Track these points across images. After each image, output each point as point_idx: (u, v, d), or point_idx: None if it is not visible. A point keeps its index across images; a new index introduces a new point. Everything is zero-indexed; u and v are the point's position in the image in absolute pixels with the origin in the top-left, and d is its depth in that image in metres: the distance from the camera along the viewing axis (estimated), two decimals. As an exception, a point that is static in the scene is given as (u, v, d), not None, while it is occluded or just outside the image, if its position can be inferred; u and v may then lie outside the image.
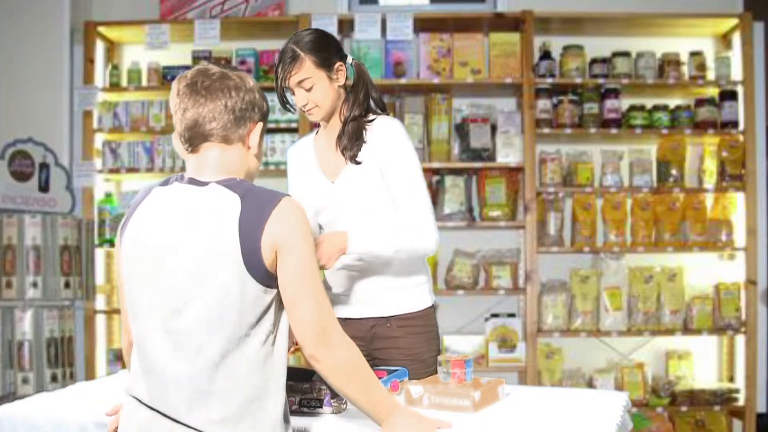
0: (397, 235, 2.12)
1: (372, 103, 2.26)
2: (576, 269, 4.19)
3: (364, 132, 2.20)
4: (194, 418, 1.50)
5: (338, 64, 2.18)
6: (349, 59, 2.22)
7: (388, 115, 2.28)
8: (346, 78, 2.22)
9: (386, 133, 2.19)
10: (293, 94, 2.18)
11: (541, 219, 4.17)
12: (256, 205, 1.53)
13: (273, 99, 2.59)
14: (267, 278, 1.53)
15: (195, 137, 1.59)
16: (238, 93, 1.59)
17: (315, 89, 2.15)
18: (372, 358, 2.27)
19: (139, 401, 1.56)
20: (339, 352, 1.57)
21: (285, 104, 2.22)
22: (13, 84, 4.25)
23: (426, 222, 2.17)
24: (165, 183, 1.63)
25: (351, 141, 2.19)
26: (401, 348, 2.22)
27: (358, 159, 2.18)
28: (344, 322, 2.29)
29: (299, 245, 1.53)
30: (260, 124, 1.65)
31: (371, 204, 2.20)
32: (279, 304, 1.57)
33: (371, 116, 2.23)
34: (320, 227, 2.34)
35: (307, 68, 2.12)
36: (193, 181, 1.59)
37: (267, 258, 1.51)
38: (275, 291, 1.55)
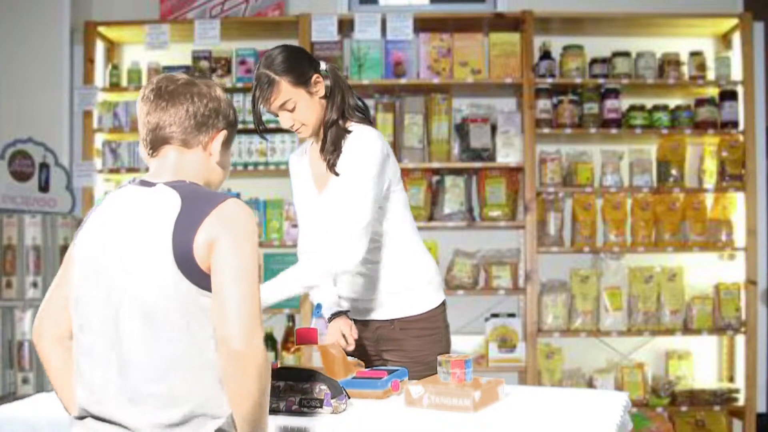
0: (311, 270, 2.08)
1: (352, 108, 2.21)
2: (576, 269, 4.19)
3: (342, 141, 2.17)
4: (138, 422, 1.46)
5: (314, 76, 2.15)
6: (323, 66, 2.19)
7: (370, 122, 2.25)
8: (326, 86, 2.18)
9: (354, 143, 2.16)
10: (277, 116, 2.16)
11: (541, 219, 4.17)
12: (197, 204, 1.49)
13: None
14: (201, 279, 1.47)
15: (156, 141, 1.59)
16: (201, 99, 1.59)
17: (298, 108, 2.13)
18: (380, 358, 2.29)
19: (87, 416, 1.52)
20: (258, 354, 1.45)
21: (260, 130, 2.17)
22: (13, 84, 4.25)
23: (350, 237, 2.08)
24: (121, 187, 1.63)
25: (329, 150, 2.17)
26: (405, 350, 2.23)
27: (336, 169, 2.16)
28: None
29: (233, 237, 1.46)
30: (224, 132, 1.64)
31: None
32: None
33: (351, 125, 2.19)
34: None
35: (285, 90, 2.10)
36: (143, 183, 1.58)
37: (200, 258, 1.46)
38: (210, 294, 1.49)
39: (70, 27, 4.25)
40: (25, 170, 3.96)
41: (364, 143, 2.14)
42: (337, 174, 2.17)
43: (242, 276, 1.46)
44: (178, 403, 1.46)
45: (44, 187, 4.01)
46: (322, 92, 2.17)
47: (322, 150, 2.19)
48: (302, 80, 2.12)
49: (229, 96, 1.93)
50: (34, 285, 3.73)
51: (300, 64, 2.13)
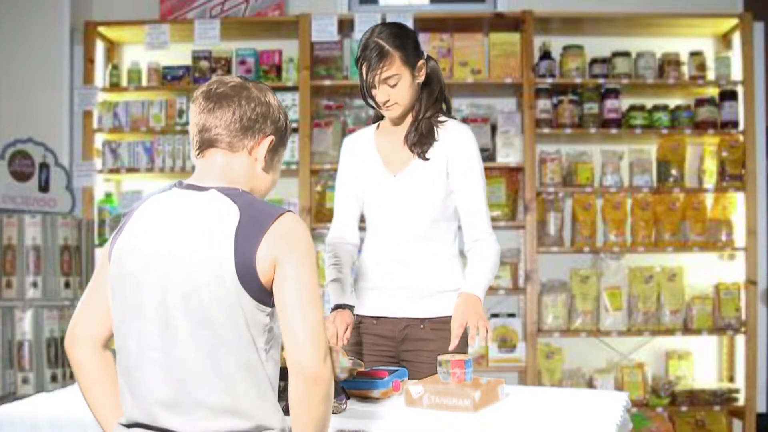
0: (491, 260, 2.20)
1: (443, 101, 2.28)
2: (576, 269, 4.19)
3: (436, 130, 2.22)
4: (191, 429, 1.46)
5: (420, 61, 2.18)
6: (424, 55, 2.22)
7: (454, 117, 2.31)
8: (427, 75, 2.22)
9: (459, 137, 2.22)
10: (374, 88, 2.16)
11: (541, 219, 4.17)
12: (256, 217, 1.48)
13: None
14: (261, 294, 1.46)
15: (203, 142, 1.58)
16: (249, 103, 1.57)
17: (399, 86, 2.15)
18: (399, 360, 2.27)
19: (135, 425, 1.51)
20: (329, 373, 1.47)
21: (366, 99, 2.21)
22: (13, 84, 4.25)
23: (491, 233, 2.25)
24: (164, 190, 1.60)
25: (422, 138, 2.21)
26: (432, 351, 2.19)
27: (427, 156, 2.20)
28: (377, 320, 2.29)
29: (297, 257, 1.46)
30: (271, 138, 1.60)
31: (429, 200, 2.21)
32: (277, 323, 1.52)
33: (442, 117, 2.25)
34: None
35: (396, 65, 2.12)
36: (192, 187, 1.55)
37: (262, 272, 1.45)
38: (269, 309, 1.49)
39: (70, 27, 4.25)
40: (25, 170, 3.96)
41: (470, 139, 2.23)
42: (426, 159, 2.20)
43: (311, 300, 1.46)
44: (230, 413, 1.45)
45: (44, 187, 4.01)
46: (422, 79, 2.20)
47: (407, 136, 2.23)
48: (411, 61, 2.16)
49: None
50: (34, 285, 3.72)
51: (411, 45, 2.16)
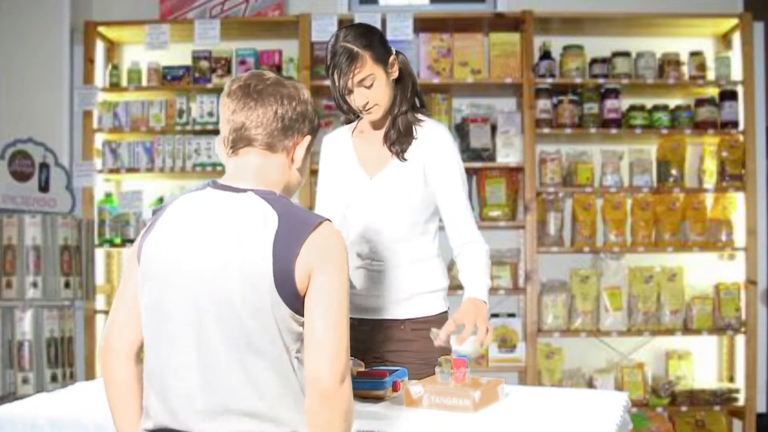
0: (486, 263, 2.22)
1: (419, 97, 2.23)
2: (576, 269, 4.19)
3: (414, 129, 2.18)
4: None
5: (391, 57, 2.13)
6: (393, 50, 2.18)
7: (429, 114, 2.26)
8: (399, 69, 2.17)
9: (437, 138, 2.17)
10: (350, 93, 2.10)
11: (541, 219, 4.17)
12: (295, 225, 1.44)
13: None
14: (297, 303, 1.44)
15: (239, 140, 1.52)
16: (290, 102, 1.53)
17: (375, 86, 2.08)
18: (383, 360, 2.26)
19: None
20: (346, 393, 1.44)
21: (343, 108, 2.15)
22: (13, 84, 4.25)
23: (478, 233, 2.24)
24: (198, 189, 1.55)
25: (401, 136, 2.16)
26: (414, 351, 2.19)
27: (405, 156, 2.16)
28: (359, 321, 2.29)
29: (330, 270, 1.44)
30: (308, 138, 1.58)
31: (407, 202, 2.18)
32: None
33: (420, 115, 2.21)
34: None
35: (368, 65, 2.06)
36: (228, 188, 1.51)
37: (300, 281, 1.42)
38: (303, 319, 1.46)
39: (70, 27, 4.25)
40: (25, 170, 3.96)
41: (447, 139, 2.19)
42: (404, 160, 2.16)
43: (338, 318, 1.43)
44: (263, 419, 1.43)
45: (44, 187, 4.01)
46: (396, 74, 2.14)
47: (386, 135, 2.18)
48: (382, 57, 2.09)
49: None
50: (34, 285, 3.72)
51: (380, 42, 2.10)
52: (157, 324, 1.47)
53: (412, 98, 2.19)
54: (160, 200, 4.31)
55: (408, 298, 2.23)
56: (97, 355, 4.16)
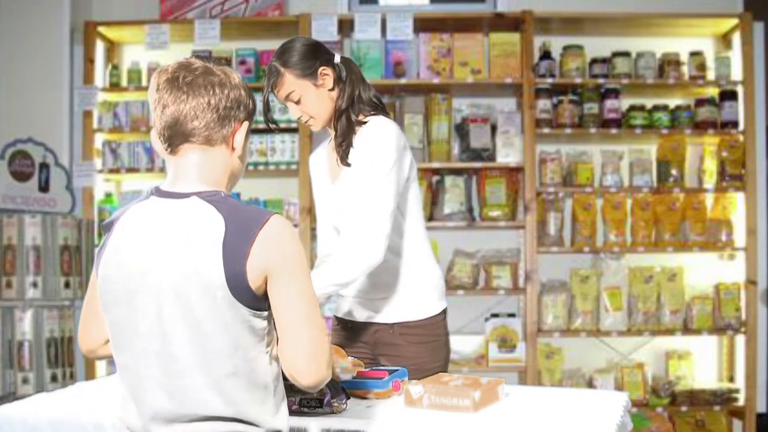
0: (336, 269, 2.03)
1: (363, 101, 2.19)
2: (576, 269, 4.19)
3: (353, 133, 2.16)
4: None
5: (322, 69, 2.13)
6: (337, 58, 2.18)
7: (387, 115, 2.22)
8: (339, 79, 2.17)
9: (369, 133, 2.14)
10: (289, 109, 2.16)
11: (541, 219, 4.17)
12: (241, 225, 1.41)
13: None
14: (255, 302, 1.42)
15: (175, 136, 1.47)
16: (222, 90, 1.47)
17: (304, 100, 2.12)
18: (378, 363, 2.25)
19: None
20: (325, 377, 1.47)
21: (268, 121, 2.16)
22: (13, 84, 4.25)
23: (371, 235, 2.05)
24: (143, 198, 1.53)
25: (339, 141, 2.17)
26: (404, 357, 2.19)
27: (348, 161, 2.15)
28: (349, 324, 2.29)
29: (290, 268, 1.42)
30: (245, 124, 1.52)
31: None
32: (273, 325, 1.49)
33: (366, 117, 2.17)
34: None
35: (289, 81, 2.10)
36: (170, 194, 1.48)
37: (254, 282, 1.40)
38: (266, 313, 1.45)
39: (70, 27, 4.25)
40: (25, 170, 3.96)
41: (378, 134, 2.12)
42: (348, 165, 2.15)
43: (308, 312, 1.43)
44: (234, 422, 1.44)
45: (44, 187, 4.01)
46: (329, 85, 2.14)
47: (335, 141, 2.19)
48: (307, 72, 2.10)
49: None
50: (34, 285, 3.72)
51: (306, 57, 2.11)
52: (124, 341, 1.47)
53: (351, 98, 2.16)
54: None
55: (393, 302, 2.22)
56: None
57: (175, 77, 1.46)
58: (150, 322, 1.43)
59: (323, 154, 2.33)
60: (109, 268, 1.47)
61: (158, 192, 1.50)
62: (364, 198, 2.09)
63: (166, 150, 1.51)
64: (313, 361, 1.43)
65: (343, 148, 2.16)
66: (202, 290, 1.39)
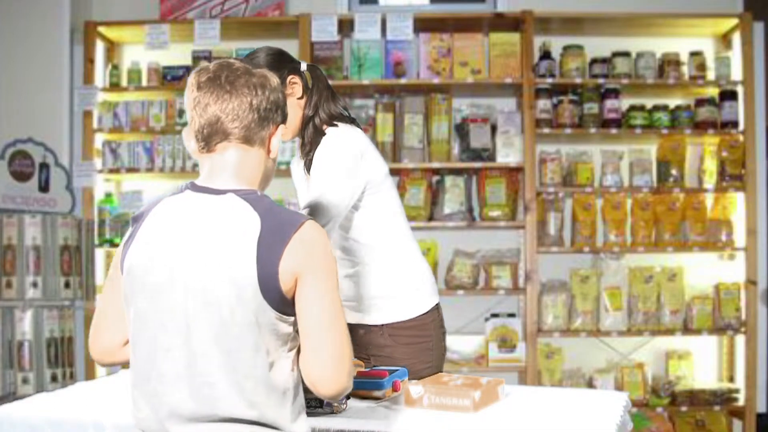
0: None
1: (330, 109, 2.16)
2: (576, 269, 4.19)
3: (317, 144, 2.13)
4: None
5: (289, 77, 2.11)
6: (303, 66, 2.16)
7: (353, 123, 2.19)
8: (306, 87, 2.14)
9: (323, 145, 2.11)
10: None
11: (541, 219, 4.17)
12: (277, 226, 1.41)
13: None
14: (284, 305, 1.42)
15: (213, 135, 1.47)
16: (263, 91, 1.48)
17: None
18: (371, 364, 2.26)
19: None
20: (346, 386, 1.46)
21: None
22: (13, 84, 4.25)
23: (326, 188, 2.05)
24: (176, 192, 1.52)
25: (305, 150, 2.15)
26: (393, 358, 2.18)
27: (311, 171, 2.14)
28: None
29: (320, 274, 1.41)
30: (282, 127, 1.54)
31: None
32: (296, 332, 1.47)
33: (328, 128, 2.14)
34: None
35: None
36: (206, 189, 1.47)
37: (285, 284, 1.40)
38: (292, 319, 1.44)
39: (70, 27, 4.25)
40: (25, 170, 3.96)
41: (333, 141, 2.10)
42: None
43: (333, 318, 1.42)
44: (254, 424, 1.42)
45: (44, 187, 4.01)
46: (298, 93, 2.13)
47: (302, 149, 2.18)
48: None
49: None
50: (34, 285, 3.73)
51: (273, 66, 2.05)
52: (147, 333, 1.45)
53: (317, 106, 2.14)
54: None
55: (379, 303, 2.20)
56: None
57: (216, 76, 1.46)
58: (175, 316, 1.42)
59: (301, 163, 2.31)
60: (137, 259, 1.46)
61: (193, 186, 1.50)
62: (311, 199, 2.07)
63: (202, 149, 1.50)
64: (334, 369, 1.42)
65: (310, 157, 2.13)
66: (232, 287, 1.39)
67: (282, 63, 2.12)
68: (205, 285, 1.40)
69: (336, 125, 2.15)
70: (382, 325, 2.21)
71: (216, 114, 1.45)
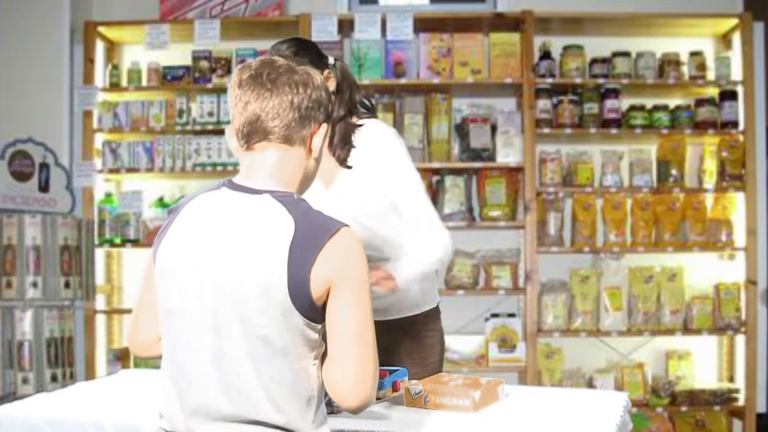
0: (417, 259, 2.07)
1: (357, 104, 2.18)
2: (576, 269, 4.19)
3: (352, 135, 2.14)
4: None
5: (326, 72, 2.10)
6: (331, 60, 2.15)
7: (376, 117, 2.21)
8: (336, 82, 2.14)
9: (377, 138, 2.12)
10: None
11: (541, 219, 4.17)
12: (311, 231, 1.38)
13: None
14: (313, 312, 1.39)
15: (254, 133, 1.45)
16: (305, 89, 1.45)
17: None
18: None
19: None
20: (369, 401, 1.44)
21: None
22: (13, 84, 4.25)
23: (434, 229, 2.11)
24: (213, 188, 1.50)
25: (340, 144, 2.13)
26: (403, 353, 2.20)
27: (348, 163, 2.13)
28: None
29: (353, 283, 1.39)
30: (324, 126, 1.50)
31: (366, 209, 2.14)
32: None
33: (360, 120, 2.16)
34: None
35: None
36: (243, 188, 1.45)
37: (316, 291, 1.37)
38: (320, 326, 1.42)
39: (70, 27, 4.25)
40: (25, 170, 3.96)
41: (387, 137, 2.12)
42: (349, 167, 2.13)
43: (363, 332, 1.40)
44: (273, 426, 1.41)
45: (44, 187, 4.01)
46: (332, 87, 2.12)
47: (330, 145, 2.14)
48: None
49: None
50: (34, 285, 3.72)
51: (307, 57, 2.06)
52: (175, 329, 1.45)
53: (348, 106, 2.15)
54: (160, 200, 4.31)
55: (389, 298, 2.19)
56: (98, 355, 4.17)
57: (258, 74, 1.45)
58: (203, 313, 1.41)
59: None
60: (169, 252, 1.45)
61: (230, 184, 1.48)
62: (415, 206, 2.10)
63: (242, 147, 1.48)
64: (357, 383, 1.40)
65: (345, 151, 2.13)
66: (260, 289, 1.37)
67: (309, 56, 2.08)
68: (233, 283, 1.38)
69: (366, 119, 2.16)
70: (390, 320, 2.21)
71: (256, 112, 1.44)
